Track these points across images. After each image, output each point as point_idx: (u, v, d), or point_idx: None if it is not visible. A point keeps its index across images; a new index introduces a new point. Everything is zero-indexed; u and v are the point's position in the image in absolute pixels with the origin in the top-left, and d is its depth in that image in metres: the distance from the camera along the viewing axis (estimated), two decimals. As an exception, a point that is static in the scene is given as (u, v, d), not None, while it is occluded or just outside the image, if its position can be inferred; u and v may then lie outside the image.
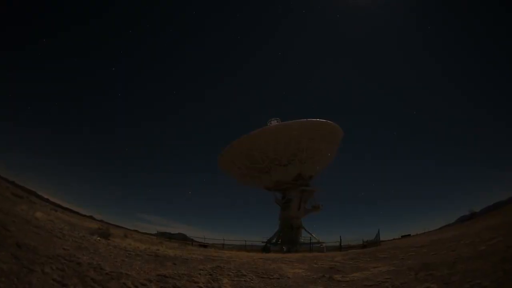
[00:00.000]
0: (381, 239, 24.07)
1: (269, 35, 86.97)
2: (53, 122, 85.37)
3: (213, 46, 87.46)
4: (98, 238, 10.44)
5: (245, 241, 29.90)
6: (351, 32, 79.34)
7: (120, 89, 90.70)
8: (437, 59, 76.41)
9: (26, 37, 68.83)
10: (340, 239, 25.81)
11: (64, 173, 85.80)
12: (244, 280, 6.51)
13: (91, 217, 43.54)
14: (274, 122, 30.04)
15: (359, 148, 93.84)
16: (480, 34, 66.72)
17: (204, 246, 27.17)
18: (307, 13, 73.75)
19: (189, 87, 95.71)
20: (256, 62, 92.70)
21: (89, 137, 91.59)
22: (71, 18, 71.55)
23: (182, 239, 33.92)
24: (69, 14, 69.77)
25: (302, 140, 29.17)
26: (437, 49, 74.13)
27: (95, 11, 72.90)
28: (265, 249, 28.05)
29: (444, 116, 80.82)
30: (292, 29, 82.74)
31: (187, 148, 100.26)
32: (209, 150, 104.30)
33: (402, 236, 30.80)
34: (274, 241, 30.71)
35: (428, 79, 79.36)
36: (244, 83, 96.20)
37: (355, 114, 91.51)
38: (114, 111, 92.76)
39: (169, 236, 32.07)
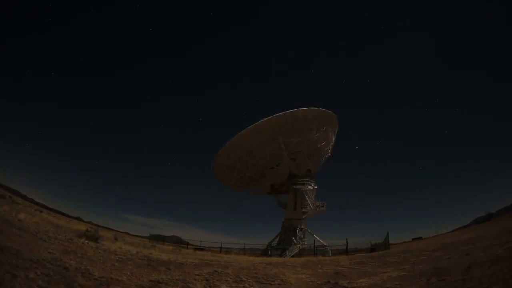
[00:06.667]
0: (391, 242, 24.18)
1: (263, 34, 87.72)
2: (42, 119, 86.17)
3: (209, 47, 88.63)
4: (86, 241, 10.48)
5: (245, 244, 30.15)
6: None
7: (112, 90, 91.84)
8: (450, 59, 77.00)
9: (24, 28, 69.49)
10: (347, 242, 25.99)
11: (50, 172, 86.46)
12: (243, 286, 6.54)
13: (78, 219, 43.88)
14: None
15: (367, 147, 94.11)
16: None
17: (201, 249, 27.38)
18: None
19: (184, 88, 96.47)
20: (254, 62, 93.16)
21: (81, 136, 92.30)
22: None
23: (177, 242, 34.18)
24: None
25: (276, 137, 28.72)
26: (450, 50, 74.52)
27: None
28: (265, 252, 28.30)
29: (459, 115, 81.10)
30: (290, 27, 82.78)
31: (184, 148, 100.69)
32: (206, 150, 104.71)
33: (413, 239, 30.97)
34: (275, 244, 30.88)
35: (442, 78, 79.81)
36: (241, 83, 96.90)
37: (365, 113, 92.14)
38: (107, 111, 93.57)
39: (163, 239, 32.26)
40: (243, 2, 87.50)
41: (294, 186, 30.31)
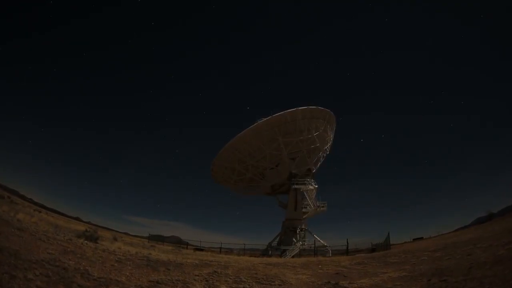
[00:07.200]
0: (391, 242, 24.18)
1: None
2: (42, 119, 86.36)
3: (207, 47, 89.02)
4: (85, 241, 10.49)
5: (245, 244, 30.14)
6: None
7: (112, 90, 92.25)
8: (451, 59, 77.19)
9: (24, 30, 69.93)
10: (347, 243, 25.98)
11: (49, 172, 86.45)
12: (243, 287, 6.55)
13: (77, 219, 44.00)
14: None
15: (369, 146, 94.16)
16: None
17: (200, 250, 27.42)
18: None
19: (184, 88, 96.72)
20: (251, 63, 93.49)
21: (80, 136, 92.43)
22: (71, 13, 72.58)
23: (176, 242, 34.24)
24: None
25: (276, 137, 28.87)
26: (452, 50, 74.67)
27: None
28: (265, 253, 28.34)
29: (461, 113, 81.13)
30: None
31: (184, 148, 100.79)
32: (206, 150, 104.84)
33: (414, 239, 31.01)
34: (275, 244, 30.92)
35: (443, 77, 79.97)
36: (241, 84, 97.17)
37: (366, 112, 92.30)
38: (107, 111, 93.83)
39: (162, 239, 32.28)
40: (243, 2, 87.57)
41: (294, 186, 30.34)
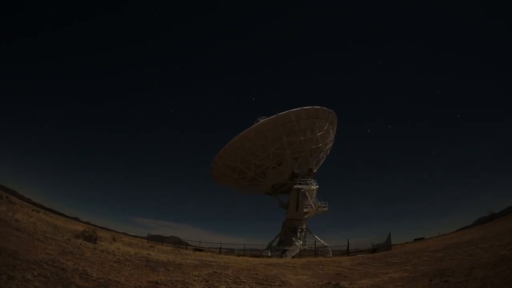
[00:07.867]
0: (393, 243, 24.22)
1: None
2: (42, 119, 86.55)
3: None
4: (84, 242, 10.49)
5: (244, 245, 30.17)
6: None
7: (112, 91, 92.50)
8: (451, 60, 77.35)
9: (22, 29, 70.10)
10: (348, 243, 25.98)
11: (48, 172, 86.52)
12: (243, 287, 6.55)
13: (76, 219, 44.06)
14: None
15: (369, 145, 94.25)
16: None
17: (200, 250, 27.43)
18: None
19: (185, 88, 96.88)
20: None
21: (80, 136, 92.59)
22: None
23: (176, 242, 34.27)
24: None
25: (279, 137, 29.02)
26: (453, 50, 74.77)
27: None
28: (265, 253, 28.34)
29: (463, 112, 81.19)
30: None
31: (184, 148, 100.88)
32: (207, 150, 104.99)
33: (415, 240, 31.04)
34: (275, 245, 30.94)
35: (443, 78, 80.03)
36: (243, 84, 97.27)
37: (368, 113, 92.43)
38: (107, 111, 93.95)
39: (162, 240, 32.28)
40: (245, 3, 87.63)
41: (295, 186, 30.34)
